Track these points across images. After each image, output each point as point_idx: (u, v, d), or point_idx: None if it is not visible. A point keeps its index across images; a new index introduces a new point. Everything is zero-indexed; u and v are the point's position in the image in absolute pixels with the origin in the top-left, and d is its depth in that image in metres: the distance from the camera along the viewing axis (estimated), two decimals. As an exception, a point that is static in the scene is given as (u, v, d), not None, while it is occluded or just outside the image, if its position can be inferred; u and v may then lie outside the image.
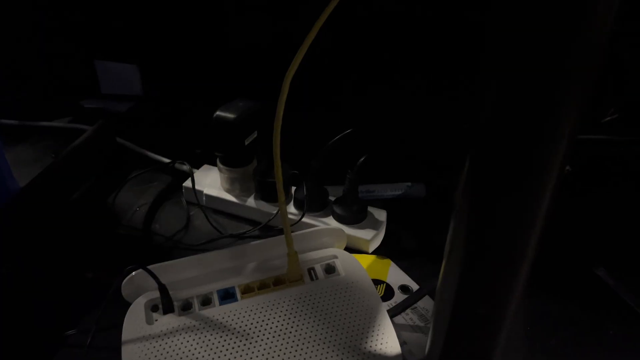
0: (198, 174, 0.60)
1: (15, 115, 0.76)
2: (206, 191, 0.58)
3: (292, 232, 0.43)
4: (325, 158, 0.52)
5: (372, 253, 0.53)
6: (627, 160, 0.57)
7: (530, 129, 0.23)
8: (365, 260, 0.51)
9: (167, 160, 0.64)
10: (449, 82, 0.68)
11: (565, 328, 0.45)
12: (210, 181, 0.59)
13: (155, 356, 0.38)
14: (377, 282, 0.49)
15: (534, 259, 0.28)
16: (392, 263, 0.51)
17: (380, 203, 0.57)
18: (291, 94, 0.38)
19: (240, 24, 0.74)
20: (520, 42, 0.21)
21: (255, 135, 0.56)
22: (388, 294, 0.48)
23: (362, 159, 0.51)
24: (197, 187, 0.58)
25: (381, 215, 0.54)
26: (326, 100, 0.74)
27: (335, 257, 0.46)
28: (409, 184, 0.60)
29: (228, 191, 0.58)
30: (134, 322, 0.41)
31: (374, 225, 0.53)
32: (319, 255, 0.46)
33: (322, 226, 0.51)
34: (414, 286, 0.48)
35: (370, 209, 0.55)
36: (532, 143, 0.23)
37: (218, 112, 0.53)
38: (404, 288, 0.48)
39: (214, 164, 0.58)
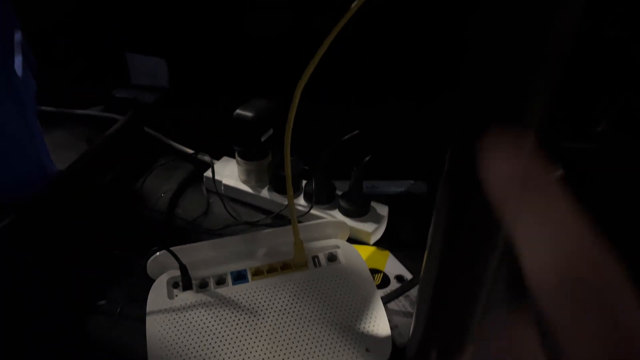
0: (218, 165, 0.66)
1: (51, 102, 0.82)
2: (224, 181, 0.64)
3: (299, 222, 0.49)
4: (333, 155, 0.56)
5: (373, 245, 0.58)
6: (616, 168, 0.61)
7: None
8: (366, 251, 0.56)
9: (190, 151, 0.69)
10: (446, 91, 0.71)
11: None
12: (228, 172, 0.65)
13: (175, 327, 0.44)
14: (375, 271, 0.53)
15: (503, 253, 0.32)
16: (390, 254, 0.56)
17: (384, 198, 0.62)
18: (306, 91, 0.43)
19: (259, 19, 0.78)
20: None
21: (270, 132, 0.61)
22: (384, 282, 0.53)
23: (367, 158, 0.55)
24: (216, 177, 0.64)
25: (383, 210, 0.59)
26: (337, 100, 0.78)
27: (338, 247, 0.51)
28: (412, 181, 0.65)
29: (244, 182, 0.63)
30: (157, 296, 0.46)
31: (376, 219, 0.58)
32: (322, 245, 0.51)
33: (327, 219, 0.56)
34: (409, 276, 0.53)
35: (373, 203, 0.59)
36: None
37: (237, 111, 0.58)
38: (399, 278, 0.53)
39: (233, 156, 0.64)
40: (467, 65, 0.27)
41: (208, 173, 0.65)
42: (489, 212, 0.31)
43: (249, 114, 0.57)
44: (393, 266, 0.55)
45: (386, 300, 0.48)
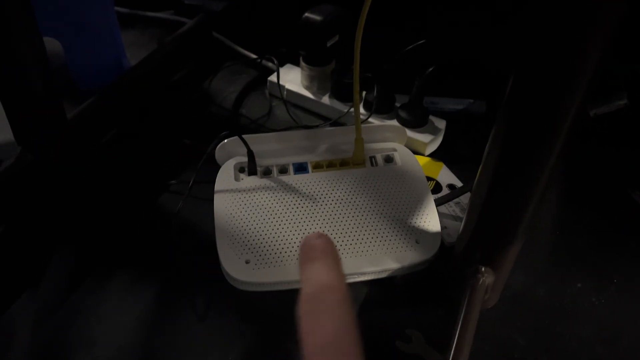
0: (282, 71, 0.68)
1: (123, 4, 0.84)
2: (287, 86, 0.66)
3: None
4: (397, 64, 0.57)
5: (428, 156, 0.59)
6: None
7: (561, 62, 0.29)
8: (421, 160, 0.58)
9: (254, 56, 0.72)
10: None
11: (591, 236, 0.51)
12: (291, 78, 0.66)
13: (240, 205, 0.47)
14: (428, 179, 0.55)
15: (554, 166, 0.34)
16: (444, 166, 0.58)
17: (442, 115, 0.63)
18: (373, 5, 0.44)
19: None
20: None
21: (336, 38, 0.62)
22: (437, 189, 0.55)
23: (430, 69, 0.56)
24: (280, 82, 0.66)
25: (441, 123, 0.60)
26: (404, 15, 0.78)
27: (395, 150, 0.53)
28: (471, 100, 0.65)
29: (307, 88, 0.65)
30: (224, 177, 0.50)
31: (433, 131, 0.59)
32: (381, 147, 0.53)
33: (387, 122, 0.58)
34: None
35: (431, 117, 0.60)
36: (563, 71, 0.29)
37: (306, 14, 0.59)
38: (451, 186, 0.55)
39: (296, 64, 0.65)
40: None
41: (272, 77, 0.67)
42: (544, 133, 0.32)
43: (317, 17, 0.59)
44: (446, 176, 0.56)
45: (438, 203, 0.50)
